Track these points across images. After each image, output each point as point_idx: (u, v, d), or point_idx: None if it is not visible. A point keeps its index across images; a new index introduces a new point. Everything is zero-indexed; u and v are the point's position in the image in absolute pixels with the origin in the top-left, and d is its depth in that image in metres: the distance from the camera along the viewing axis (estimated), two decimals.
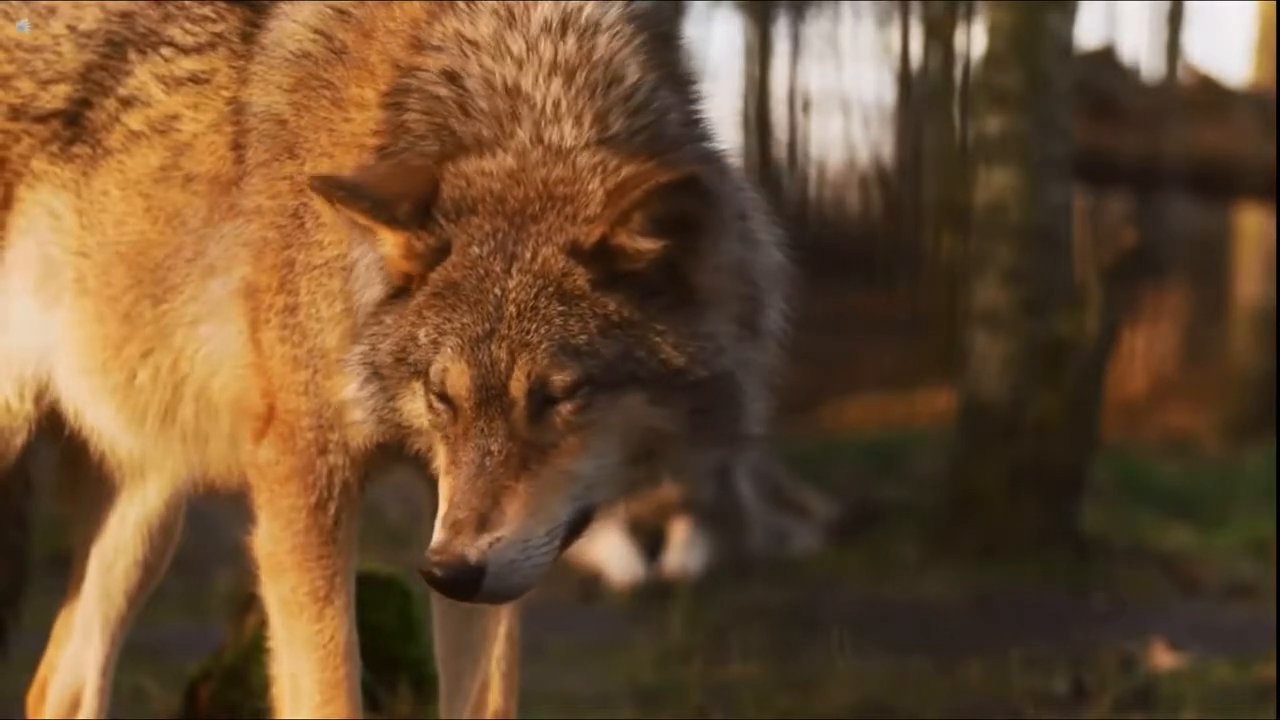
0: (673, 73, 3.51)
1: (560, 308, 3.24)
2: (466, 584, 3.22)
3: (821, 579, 8.48)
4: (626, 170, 3.30)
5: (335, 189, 3.38)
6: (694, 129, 3.50)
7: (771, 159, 17.34)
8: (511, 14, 3.47)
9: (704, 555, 8.74)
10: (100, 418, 3.89)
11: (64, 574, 4.32)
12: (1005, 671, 6.33)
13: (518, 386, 3.23)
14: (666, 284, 3.28)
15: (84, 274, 3.82)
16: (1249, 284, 14.06)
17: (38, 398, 3.95)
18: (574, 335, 3.23)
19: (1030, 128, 8.55)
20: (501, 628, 3.98)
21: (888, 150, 17.35)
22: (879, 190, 17.24)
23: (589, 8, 3.47)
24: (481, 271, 3.28)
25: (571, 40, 3.43)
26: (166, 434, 3.82)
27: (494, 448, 3.23)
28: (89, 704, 4.29)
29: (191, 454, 3.87)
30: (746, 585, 8.28)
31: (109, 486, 4.23)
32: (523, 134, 3.37)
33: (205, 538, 5.93)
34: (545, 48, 3.42)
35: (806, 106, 17.44)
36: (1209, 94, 13.51)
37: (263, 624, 3.78)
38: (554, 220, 3.28)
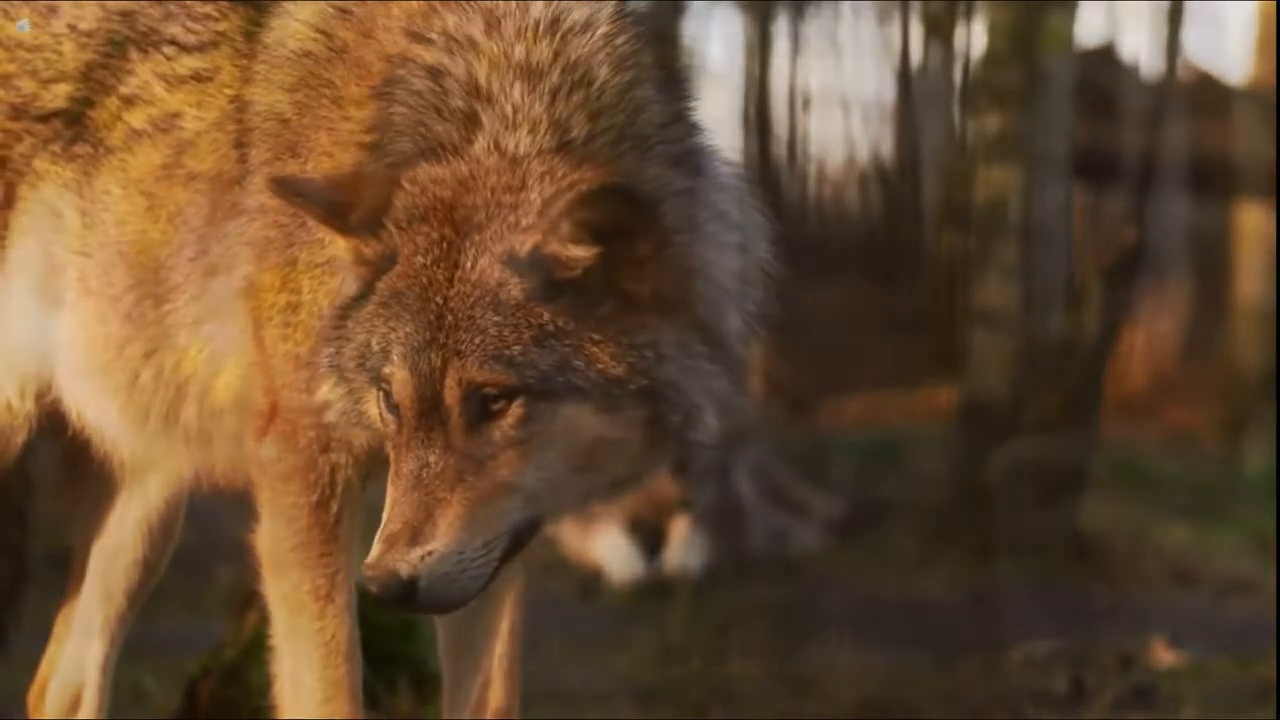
0: (658, 70, 3.48)
1: (495, 318, 3.23)
2: (400, 598, 3.22)
3: (821, 577, 8.47)
4: (568, 178, 3.29)
5: (290, 193, 3.39)
6: (671, 128, 3.46)
7: (771, 157, 17.30)
8: (502, 14, 3.46)
9: (704, 553, 8.72)
10: (102, 418, 3.88)
11: (64, 573, 4.32)
12: (1005, 670, 6.33)
13: (450, 395, 3.22)
14: (605, 291, 3.26)
15: (86, 274, 3.82)
16: (1249, 282, 14.03)
17: (39, 397, 3.95)
18: (508, 345, 3.21)
19: (1030, 126, 8.56)
20: (504, 625, 3.98)
21: (888, 148, 17.30)
22: (879, 188, 17.20)
23: (576, 9, 3.46)
24: (425, 281, 3.27)
25: (545, 43, 3.42)
26: (169, 434, 3.82)
27: (431, 459, 3.23)
28: (89, 702, 4.28)
29: (195, 454, 3.87)
30: (746, 583, 8.27)
31: (109, 485, 4.23)
32: (482, 140, 3.37)
33: (206, 535, 5.92)
34: (519, 51, 3.42)
35: (806, 104, 17.38)
36: (1209, 92, 13.53)
37: (263, 621, 3.78)
38: (496, 229, 3.27)
